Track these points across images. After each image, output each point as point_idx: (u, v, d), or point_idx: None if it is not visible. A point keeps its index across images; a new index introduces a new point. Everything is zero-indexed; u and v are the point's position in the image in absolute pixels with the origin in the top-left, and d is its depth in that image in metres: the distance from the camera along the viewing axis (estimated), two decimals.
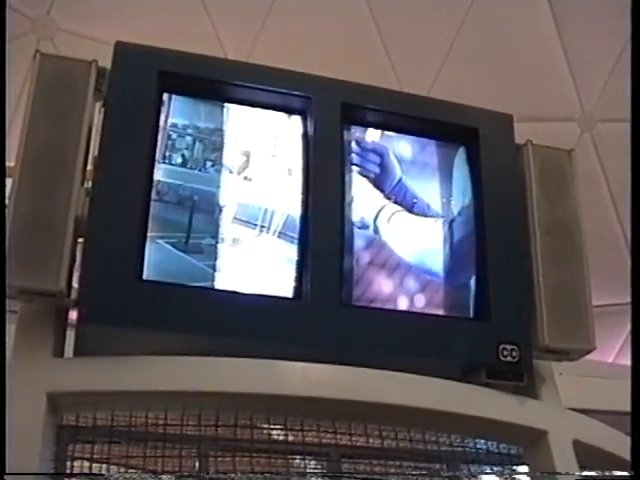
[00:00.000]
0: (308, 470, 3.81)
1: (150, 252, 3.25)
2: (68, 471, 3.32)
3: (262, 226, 3.47)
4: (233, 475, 3.29)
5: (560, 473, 3.36)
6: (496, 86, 8.66)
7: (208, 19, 8.47)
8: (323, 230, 3.46)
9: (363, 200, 3.66)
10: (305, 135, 3.65)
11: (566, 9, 8.76)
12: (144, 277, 3.21)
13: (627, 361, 9.35)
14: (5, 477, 2.61)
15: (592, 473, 3.71)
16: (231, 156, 3.55)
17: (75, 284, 3.16)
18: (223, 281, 3.36)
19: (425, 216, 3.74)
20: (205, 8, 8.43)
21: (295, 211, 3.52)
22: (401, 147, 3.84)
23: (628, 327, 10.38)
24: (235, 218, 3.44)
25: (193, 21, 8.39)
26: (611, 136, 9.43)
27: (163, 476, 3.17)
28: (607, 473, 3.70)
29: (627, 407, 5.28)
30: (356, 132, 3.77)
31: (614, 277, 9.67)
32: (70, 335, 3.23)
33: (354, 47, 8.68)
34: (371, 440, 3.47)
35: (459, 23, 8.74)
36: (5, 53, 3.52)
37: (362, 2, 8.60)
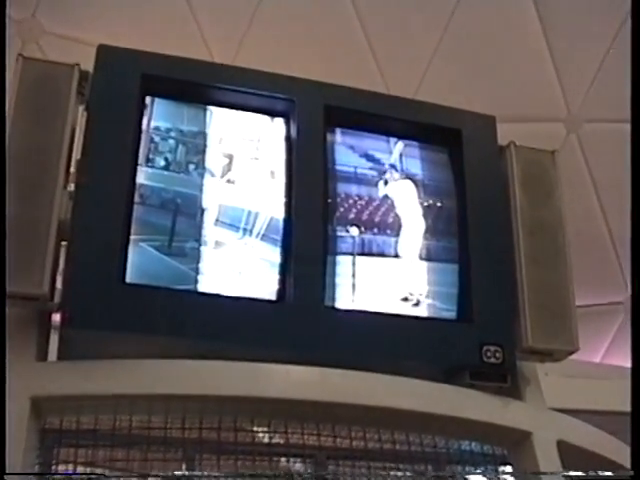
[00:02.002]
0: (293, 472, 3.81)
1: (133, 255, 3.25)
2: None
3: (245, 229, 3.47)
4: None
5: (545, 473, 3.36)
6: (482, 87, 8.65)
7: (194, 21, 8.46)
8: (306, 232, 3.47)
9: (346, 202, 3.66)
10: (288, 138, 3.66)
11: (552, 10, 8.76)
12: (127, 280, 3.21)
13: (615, 361, 9.38)
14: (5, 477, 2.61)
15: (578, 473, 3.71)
16: (214, 159, 3.55)
17: (59, 287, 3.15)
18: (206, 284, 3.36)
19: (408, 218, 3.74)
20: (191, 10, 8.42)
21: (278, 214, 3.53)
22: (384, 149, 3.84)
23: (615, 327, 10.40)
24: (218, 221, 3.44)
25: (179, 24, 8.37)
26: (597, 136, 9.43)
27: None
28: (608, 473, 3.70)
29: (613, 407, 5.30)
30: (339, 134, 3.77)
31: (600, 278, 9.71)
32: (54, 339, 3.23)
33: (340, 50, 8.66)
34: (355, 442, 3.47)
35: (444, 25, 8.72)
36: (5, 54, 3.52)
37: (348, 4, 8.59)
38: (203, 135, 3.59)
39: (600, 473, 3.69)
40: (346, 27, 8.70)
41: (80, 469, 3.31)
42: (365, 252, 3.63)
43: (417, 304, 3.62)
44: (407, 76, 8.70)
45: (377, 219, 3.68)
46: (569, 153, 9.07)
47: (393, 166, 3.81)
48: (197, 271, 3.36)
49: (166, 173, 3.47)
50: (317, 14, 8.61)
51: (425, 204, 3.81)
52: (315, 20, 8.60)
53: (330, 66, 7.32)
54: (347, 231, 3.61)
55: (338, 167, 3.71)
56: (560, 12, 8.83)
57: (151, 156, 3.46)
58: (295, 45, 8.49)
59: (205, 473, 3.38)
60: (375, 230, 3.67)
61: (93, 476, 3.27)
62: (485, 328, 3.58)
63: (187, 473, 3.55)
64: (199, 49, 8.17)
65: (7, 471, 2.65)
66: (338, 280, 3.53)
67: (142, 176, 3.40)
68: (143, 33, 7.79)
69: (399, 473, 3.56)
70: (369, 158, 3.79)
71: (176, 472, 3.50)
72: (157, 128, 3.52)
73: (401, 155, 3.85)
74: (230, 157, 3.58)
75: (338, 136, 3.78)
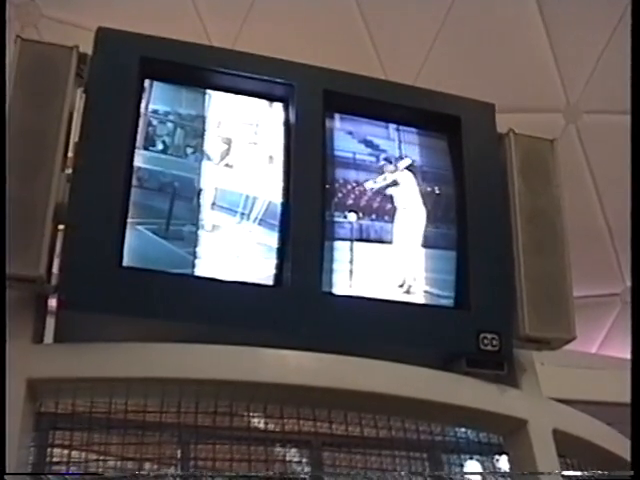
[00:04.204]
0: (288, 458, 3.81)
1: (130, 238, 3.24)
2: (48, 458, 3.31)
3: (243, 213, 3.46)
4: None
5: (543, 473, 3.36)
6: (481, 77, 8.63)
7: (193, 7, 8.45)
8: (304, 218, 3.46)
9: (344, 188, 3.65)
10: (287, 122, 3.65)
11: (552, 0, 8.76)
12: (124, 264, 3.20)
13: (611, 352, 9.40)
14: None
15: (575, 473, 3.71)
16: (212, 143, 3.54)
17: (55, 271, 3.15)
18: (203, 268, 3.35)
19: (406, 205, 3.73)
20: None
21: (276, 198, 3.52)
22: (383, 135, 3.83)
23: (610, 318, 10.42)
24: (216, 205, 3.43)
25: (177, 10, 8.36)
26: (596, 127, 9.43)
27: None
28: (607, 472, 3.70)
29: (609, 398, 5.31)
30: (338, 120, 3.76)
31: (598, 269, 9.71)
32: (50, 321, 3.22)
33: (340, 36, 8.65)
34: (351, 428, 3.46)
35: (444, 13, 8.71)
36: (5, 53, 3.51)
37: None
38: (201, 119, 3.58)
39: (599, 473, 3.69)
40: (345, 13, 8.69)
41: (75, 453, 3.31)
42: (363, 238, 3.62)
43: (414, 291, 3.62)
44: (406, 64, 8.69)
45: (375, 205, 3.68)
46: (568, 144, 9.06)
47: (390, 157, 3.81)
48: (194, 255, 3.35)
49: (164, 156, 3.46)
50: (316, 1, 8.60)
51: (423, 191, 3.80)
52: (314, 6, 8.58)
53: (329, 52, 7.29)
54: (345, 217, 3.60)
55: (337, 152, 3.70)
56: (560, 2, 8.82)
57: (149, 139, 3.45)
58: (294, 31, 8.48)
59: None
60: (373, 216, 3.66)
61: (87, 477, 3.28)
62: (482, 316, 3.57)
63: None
64: (198, 34, 8.15)
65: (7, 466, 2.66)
66: (335, 266, 3.52)
67: (140, 159, 3.39)
68: (141, 18, 7.76)
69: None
70: (368, 144, 3.78)
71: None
72: (155, 111, 3.51)
73: (400, 141, 3.85)
74: (228, 141, 3.57)
75: (337, 121, 3.77)
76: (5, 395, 2.74)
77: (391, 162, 3.78)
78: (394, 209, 3.70)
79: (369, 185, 3.70)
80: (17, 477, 2.78)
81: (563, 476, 3.43)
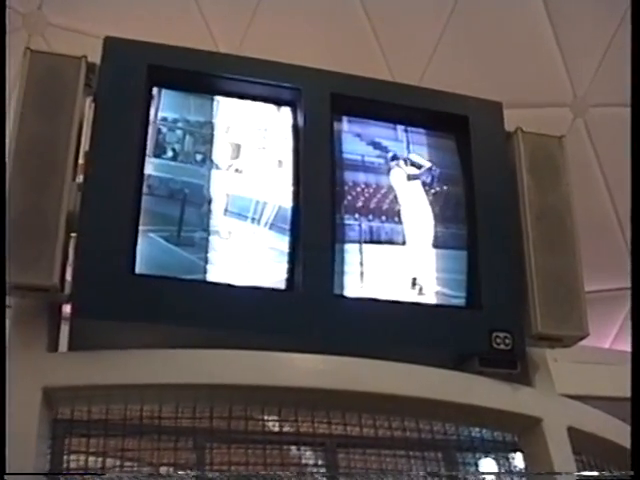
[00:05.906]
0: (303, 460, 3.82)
1: (142, 246, 3.26)
2: (65, 465, 3.32)
3: (253, 218, 3.47)
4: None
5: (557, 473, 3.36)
6: (488, 73, 8.64)
7: (198, 11, 8.46)
8: (314, 221, 3.47)
9: (354, 190, 3.66)
10: (295, 126, 3.66)
11: None
12: (136, 271, 3.21)
13: (623, 347, 9.37)
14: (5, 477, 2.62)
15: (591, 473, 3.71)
16: (221, 149, 3.56)
17: (69, 279, 3.16)
18: (215, 274, 3.36)
19: (416, 206, 3.74)
20: (196, 0, 8.44)
21: (286, 203, 3.53)
22: (391, 136, 3.84)
23: (624, 312, 10.39)
24: (226, 210, 3.44)
25: (183, 14, 8.38)
26: (603, 121, 9.42)
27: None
28: (606, 473, 3.70)
29: (623, 393, 5.30)
30: (346, 122, 3.77)
31: (609, 263, 9.70)
32: (64, 330, 3.24)
33: (345, 37, 8.66)
34: (365, 430, 3.47)
35: (450, 11, 8.72)
36: (5, 53, 3.53)
37: None
38: (210, 125, 3.59)
39: (600, 473, 3.69)
40: (350, 14, 8.69)
41: (91, 459, 3.32)
42: (373, 240, 3.63)
43: (426, 291, 3.63)
44: (412, 63, 8.69)
45: (385, 207, 3.68)
46: (575, 138, 9.06)
47: (398, 155, 3.81)
48: (206, 261, 3.36)
49: (174, 164, 3.47)
50: (321, 2, 8.60)
51: (433, 191, 3.81)
52: (319, 8, 8.59)
53: (335, 54, 7.33)
54: (355, 219, 3.61)
55: (345, 155, 3.71)
56: None
57: (159, 147, 3.47)
58: (299, 34, 8.49)
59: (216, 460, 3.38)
60: (383, 218, 3.67)
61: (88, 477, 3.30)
62: (494, 315, 3.58)
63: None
64: (204, 39, 8.16)
65: (12, 466, 2.67)
66: (347, 268, 3.53)
67: (150, 167, 3.40)
68: (147, 24, 7.80)
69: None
70: (376, 146, 3.79)
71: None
72: (164, 119, 3.53)
73: (408, 142, 3.85)
74: (237, 147, 3.58)
75: (345, 124, 3.78)
76: (5, 395, 2.76)
77: (400, 163, 3.79)
78: (404, 210, 3.71)
79: (378, 187, 3.71)
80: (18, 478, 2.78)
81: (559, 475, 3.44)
